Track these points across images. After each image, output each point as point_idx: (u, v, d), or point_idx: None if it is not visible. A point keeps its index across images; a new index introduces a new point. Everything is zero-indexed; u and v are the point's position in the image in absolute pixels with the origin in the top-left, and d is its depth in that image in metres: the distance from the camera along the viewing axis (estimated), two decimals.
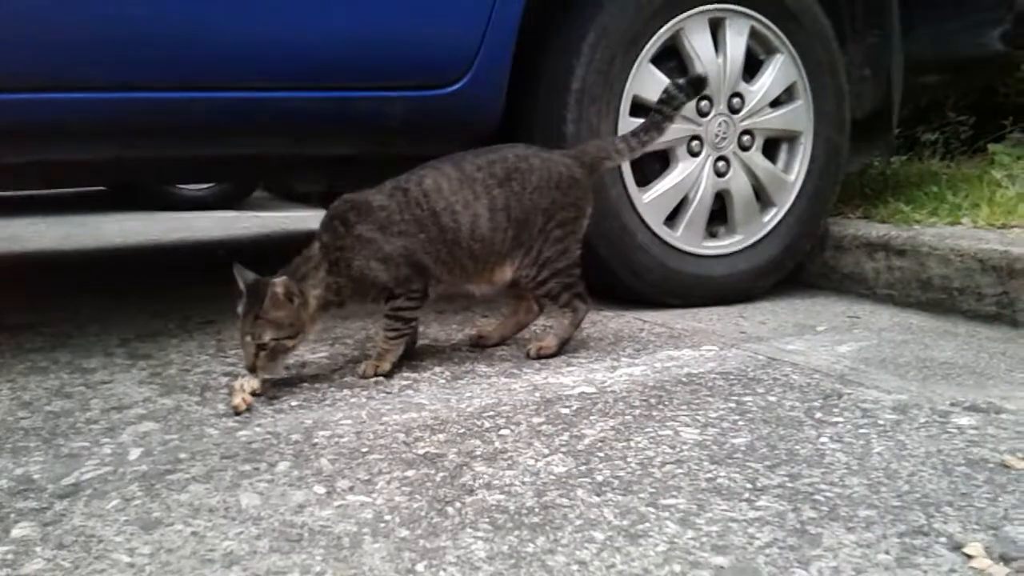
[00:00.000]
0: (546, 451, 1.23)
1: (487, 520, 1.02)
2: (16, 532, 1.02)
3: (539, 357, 1.70)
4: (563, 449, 1.23)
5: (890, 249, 2.18)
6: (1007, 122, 3.30)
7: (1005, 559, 0.91)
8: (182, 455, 1.24)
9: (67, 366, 1.73)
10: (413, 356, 1.71)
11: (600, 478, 1.13)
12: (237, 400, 1.43)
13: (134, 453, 1.25)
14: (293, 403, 1.47)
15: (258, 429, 1.35)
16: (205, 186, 5.72)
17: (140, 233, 4.40)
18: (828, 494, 1.07)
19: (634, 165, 2.07)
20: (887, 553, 0.93)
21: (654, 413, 1.38)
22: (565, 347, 1.74)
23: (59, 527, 1.02)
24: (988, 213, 2.26)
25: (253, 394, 1.47)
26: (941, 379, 1.55)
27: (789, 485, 1.10)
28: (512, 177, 1.64)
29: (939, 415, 1.34)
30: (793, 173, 2.25)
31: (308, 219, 4.86)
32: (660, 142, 2.08)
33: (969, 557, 0.92)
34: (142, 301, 2.38)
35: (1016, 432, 1.26)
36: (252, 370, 1.49)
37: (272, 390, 1.52)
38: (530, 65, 2.03)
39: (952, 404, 1.39)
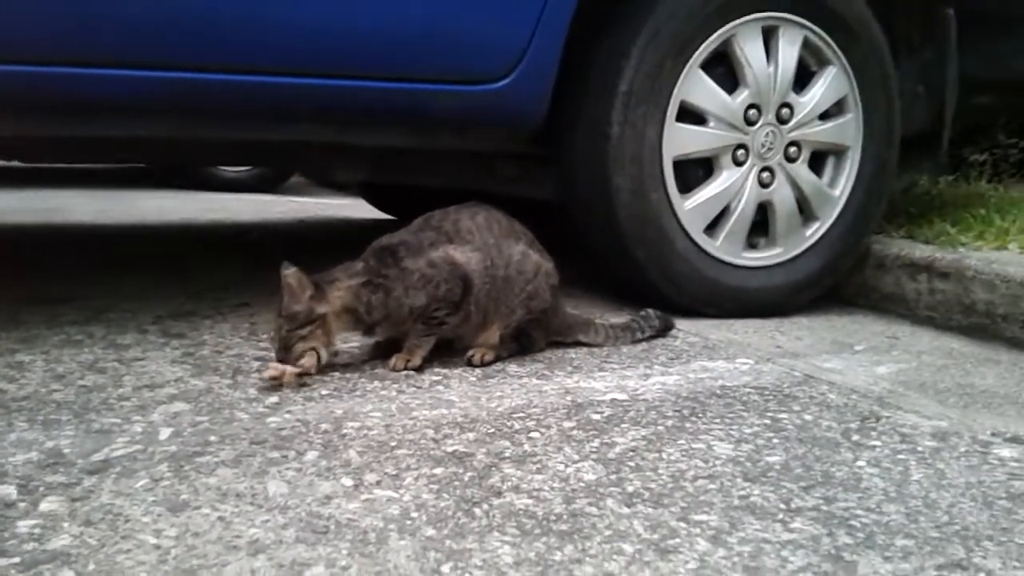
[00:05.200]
0: (576, 457, 1.21)
1: (514, 524, 1.01)
2: (44, 506, 1.02)
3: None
4: (593, 456, 1.22)
5: (933, 271, 2.13)
6: None
7: None
8: (212, 438, 1.24)
9: (101, 341, 1.74)
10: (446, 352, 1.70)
11: (631, 488, 1.11)
12: (273, 372, 1.45)
13: (164, 433, 1.26)
14: (324, 392, 1.47)
15: (288, 416, 1.34)
16: (243, 168, 5.76)
17: (176, 211, 4.43)
18: (864, 520, 1.04)
19: (677, 171, 2.05)
20: None
21: (687, 425, 1.36)
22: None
23: (87, 503, 1.03)
24: None
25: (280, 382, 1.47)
26: (982, 407, 1.51)
27: (824, 508, 1.07)
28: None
29: (980, 445, 1.31)
30: (838, 188, 2.21)
31: (345, 207, 4.88)
32: (704, 150, 2.07)
33: None
34: (177, 280, 2.40)
35: None
36: (279, 359, 1.50)
37: (303, 377, 1.51)
38: (577, 65, 2.01)
39: (993, 434, 1.36)
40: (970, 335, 2.02)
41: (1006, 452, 1.28)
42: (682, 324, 1.99)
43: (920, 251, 2.20)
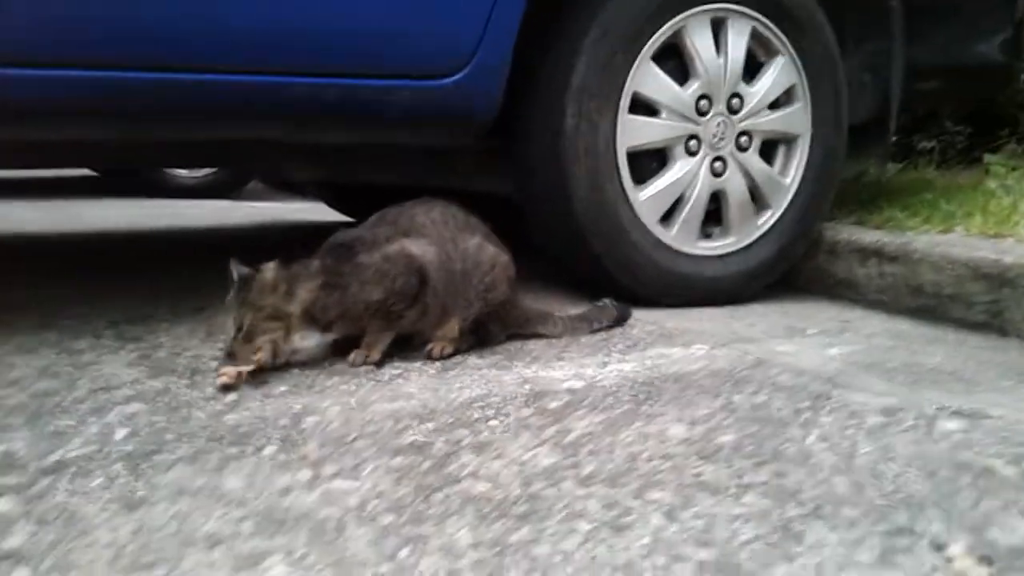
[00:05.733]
0: (534, 443, 1.23)
1: (472, 509, 1.02)
2: None
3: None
4: (551, 441, 1.23)
5: (882, 255, 2.18)
6: (1003, 133, 3.31)
7: (987, 561, 0.92)
8: (168, 436, 1.24)
9: (55, 346, 1.72)
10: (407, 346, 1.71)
11: (587, 471, 1.13)
12: (226, 380, 1.44)
13: (120, 433, 1.25)
14: (282, 388, 1.47)
15: (246, 413, 1.34)
16: (199, 173, 5.67)
17: (129, 219, 4.38)
18: (813, 493, 1.07)
19: (631, 162, 2.07)
20: (870, 552, 0.93)
21: (643, 409, 1.38)
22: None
23: (42, 503, 1.02)
24: (981, 222, 2.26)
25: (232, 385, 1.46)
26: (929, 385, 1.55)
27: (775, 483, 1.10)
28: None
29: (925, 419, 1.35)
30: (789, 176, 2.25)
31: (304, 211, 4.86)
32: (657, 141, 2.10)
33: (951, 558, 0.92)
34: (132, 286, 2.38)
35: (1001, 438, 1.26)
36: (230, 355, 1.48)
37: (261, 375, 1.51)
38: (531, 59, 2.03)
39: (939, 409, 1.40)
40: (918, 316, 2.07)
41: (950, 425, 1.32)
42: (639, 313, 2.02)
43: (870, 236, 2.25)
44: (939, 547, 0.94)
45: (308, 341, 1.70)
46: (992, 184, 2.70)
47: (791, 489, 1.08)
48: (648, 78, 2.06)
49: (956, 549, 0.93)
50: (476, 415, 1.34)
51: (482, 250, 1.70)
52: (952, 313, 2.01)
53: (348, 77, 1.83)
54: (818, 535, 0.96)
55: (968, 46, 2.68)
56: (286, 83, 1.79)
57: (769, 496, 1.06)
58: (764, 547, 0.93)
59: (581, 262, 2.16)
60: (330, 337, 1.67)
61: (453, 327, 1.69)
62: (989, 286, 1.93)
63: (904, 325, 2.02)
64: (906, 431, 1.29)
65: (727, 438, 1.26)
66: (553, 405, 1.39)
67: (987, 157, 3.19)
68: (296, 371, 1.57)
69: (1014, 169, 2.95)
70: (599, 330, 1.89)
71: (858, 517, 1.01)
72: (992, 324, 1.93)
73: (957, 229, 2.27)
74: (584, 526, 0.98)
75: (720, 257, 2.20)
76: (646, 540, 0.95)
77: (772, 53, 2.19)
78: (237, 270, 1.52)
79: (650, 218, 2.10)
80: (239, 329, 1.48)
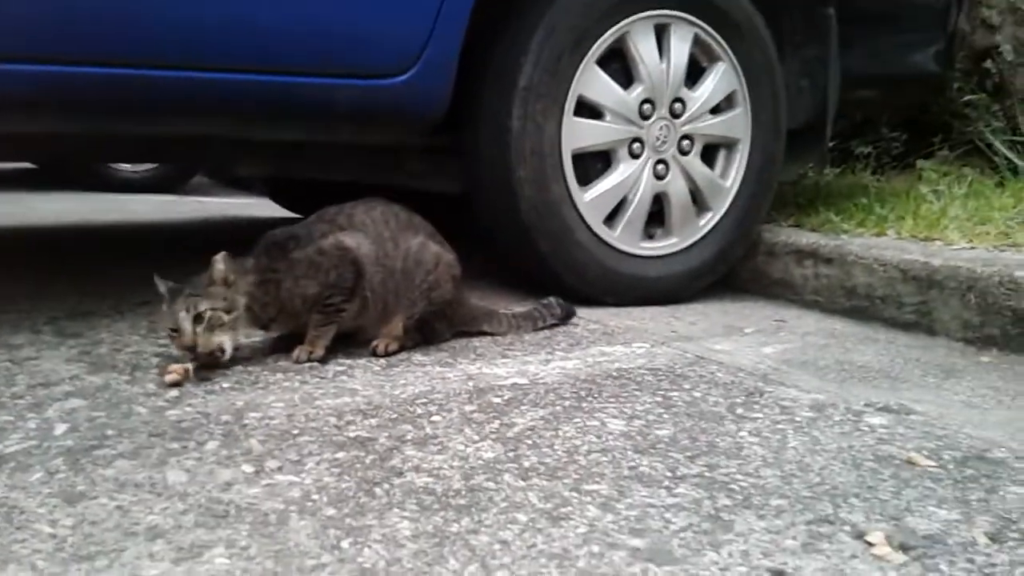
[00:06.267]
0: (476, 437, 1.25)
1: (414, 501, 1.04)
2: None
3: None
4: (493, 436, 1.26)
5: (818, 257, 2.25)
6: (936, 140, 3.43)
7: (904, 548, 0.96)
8: (109, 432, 1.24)
9: None
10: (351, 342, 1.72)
11: (527, 464, 1.16)
12: (175, 377, 1.43)
13: (60, 428, 1.24)
14: (225, 385, 1.47)
15: (188, 409, 1.34)
16: (143, 168, 5.58)
17: (72, 213, 4.29)
18: (743, 484, 1.11)
19: (576, 164, 2.11)
20: (794, 539, 0.97)
21: (583, 404, 1.41)
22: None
23: None
24: (912, 226, 2.35)
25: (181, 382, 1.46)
26: (858, 381, 1.61)
27: (707, 475, 1.14)
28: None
29: (853, 414, 1.40)
30: (730, 179, 2.31)
31: (250, 206, 4.81)
32: (601, 143, 2.14)
33: (871, 545, 0.97)
34: (72, 281, 2.34)
35: (923, 432, 1.32)
36: (191, 347, 1.48)
37: (204, 371, 1.51)
38: (479, 60, 2.05)
39: (866, 405, 1.46)
40: (852, 316, 2.15)
41: (876, 420, 1.38)
42: (583, 312, 2.06)
43: (806, 239, 2.32)
44: (860, 535, 0.99)
45: (252, 338, 1.70)
46: (924, 189, 2.79)
47: (723, 481, 1.12)
48: (593, 81, 2.10)
49: (876, 536, 0.98)
50: (419, 411, 1.36)
51: (425, 249, 1.71)
52: (883, 313, 2.09)
53: (294, 75, 1.83)
54: (747, 524, 1.00)
55: (903, 56, 2.78)
56: (230, 79, 1.78)
57: (702, 487, 1.10)
58: (695, 535, 0.97)
59: (528, 261, 2.19)
60: (274, 334, 1.68)
61: (397, 325, 1.71)
62: (918, 287, 2.01)
63: (838, 324, 2.09)
64: (834, 425, 1.35)
65: (664, 432, 1.30)
66: (496, 401, 1.42)
67: (920, 163, 3.30)
68: (239, 368, 1.57)
69: (945, 175, 3.06)
70: (544, 328, 1.92)
71: (785, 507, 1.05)
72: (921, 324, 2.01)
73: (889, 232, 2.35)
74: (522, 517, 1.00)
75: (662, 258, 2.24)
76: (582, 530, 0.98)
77: (714, 59, 2.24)
78: (164, 284, 1.51)
79: (595, 219, 2.14)
80: (197, 319, 1.47)
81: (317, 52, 1.85)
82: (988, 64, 3.48)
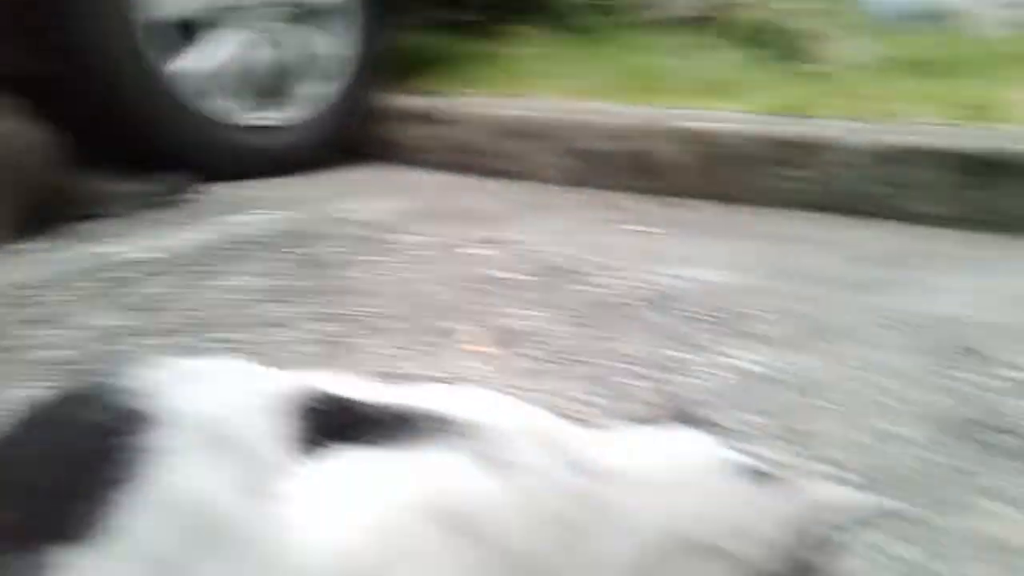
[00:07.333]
0: (103, 310, 1.25)
1: (43, 372, 1.04)
2: None
3: None
4: (123, 305, 1.27)
5: (430, 119, 2.43)
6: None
7: (503, 344, 1.17)
8: None
9: None
10: None
11: (166, 326, 1.20)
12: None
13: None
14: None
15: None
16: None
17: None
18: (369, 312, 1.26)
19: (183, 36, 2.03)
20: (415, 351, 1.14)
21: (221, 268, 1.46)
22: None
23: None
24: (510, 84, 2.60)
25: None
26: (470, 223, 1.82)
27: (339, 312, 1.27)
28: None
29: (464, 249, 1.60)
30: (345, 48, 2.36)
31: None
32: (193, 10, 2.06)
33: (462, 341, 1.16)
34: None
35: (515, 256, 1.55)
36: None
37: None
38: None
39: (476, 242, 1.66)
40: (463, 171, 2.35)
41: (484, 252, 1.59)
42: (215, 187, 2.04)
43: (420, 102, 2.48)
44: (451, 334, 1.18)
45: None
46: (517, 52, 3.05)
47: (352, 315, 1.26)
48: None
49: (465, 336, 1.18)
50: (40, 294, 1.32)
51: (16, 136, 1.60)
52: (491, 165, 2.32)
53: None
54: (375, 344, 1.15)
55: None
56: None
57: (332, 320, 1.23)
58: (328, 359, 1.10)
59: (139, 140, 2.09)
60: None
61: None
62: (519, 139, 2.26)
63: (451, 179, 2.29)
64: (448, 260, 1.54)
65: (300, 284, 1.40)
66: (128, 276, 1.41)
67: (508, 28, 3.55)
68: None
69: (532, 39, 3.34)
70: (169, 204, 1.89)
71: (405, 327, 1.21)
72: (523, 172, 2.26)
73: (488, 92, 2.57)
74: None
75: (284, 129, 2.27)
76: None
77: None
78: None
79: (198, 90, 2.09)
80: None
81: None
82: None
